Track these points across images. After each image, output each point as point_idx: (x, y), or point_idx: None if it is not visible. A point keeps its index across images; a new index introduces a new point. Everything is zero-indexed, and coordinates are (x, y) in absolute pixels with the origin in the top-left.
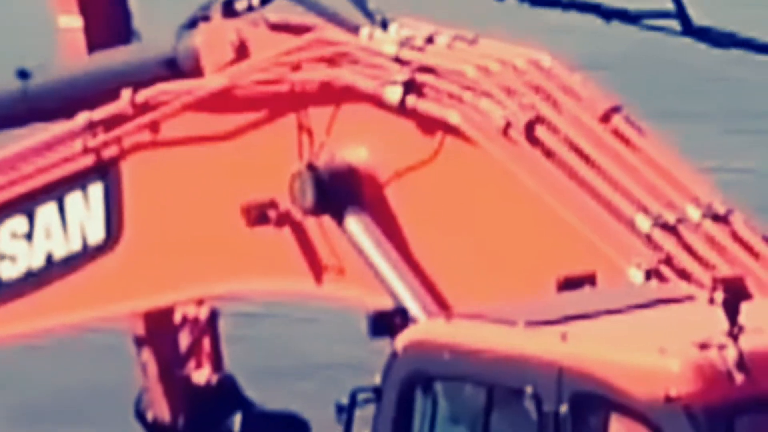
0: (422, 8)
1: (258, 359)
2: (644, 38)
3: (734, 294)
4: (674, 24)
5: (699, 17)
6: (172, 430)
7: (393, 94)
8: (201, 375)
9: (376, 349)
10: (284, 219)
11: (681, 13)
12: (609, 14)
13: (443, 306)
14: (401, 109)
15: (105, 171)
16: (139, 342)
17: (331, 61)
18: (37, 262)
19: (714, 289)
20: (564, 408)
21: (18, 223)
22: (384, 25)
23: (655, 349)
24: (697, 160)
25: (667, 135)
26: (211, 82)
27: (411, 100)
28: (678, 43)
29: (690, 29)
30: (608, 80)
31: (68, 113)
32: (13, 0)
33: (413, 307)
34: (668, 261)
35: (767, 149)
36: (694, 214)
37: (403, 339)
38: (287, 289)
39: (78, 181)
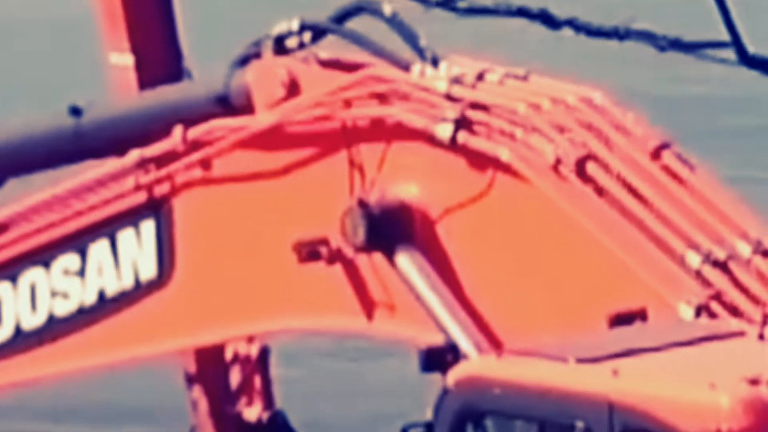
0: (473, 45)
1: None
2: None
3: None
4: (730, 53)
5: (756, 46)
6: None
7: (444, 131)
8: (252, 412)
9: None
10: (335, 256)
11: (736, 42)
12: (664, 44)
13: (494, 342)
14: (452, 145)
15: (157, 208)
16: (190, 379)
17: (382, 98)
18: (90, 298)
19: (764, 324)
20: None
21: (70, 260)
22: (435, 62)
23: (705, 385)
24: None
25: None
26: (262, 119)
27: (462, 137)
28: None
29: (746, 58)
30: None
31: (120, 150)
32: (66, 37)
33: (464, 343)
34: (718, 297)
35: None
36: (744, 250)
37: (454, 375)
38: (338, 326)
39: (130, 217)
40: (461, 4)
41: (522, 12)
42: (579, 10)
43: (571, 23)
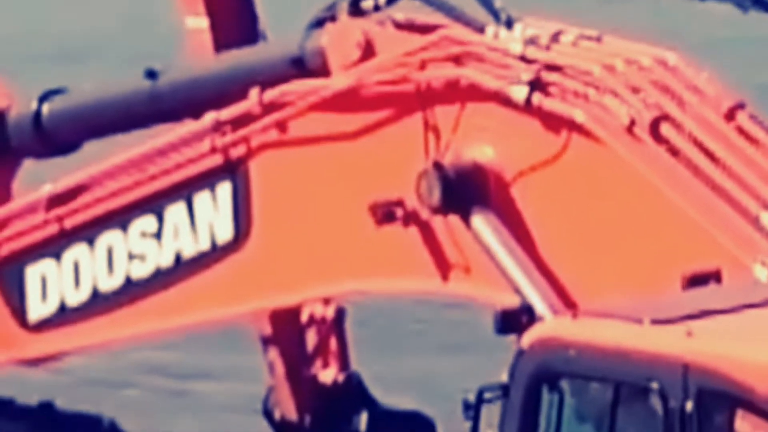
0: (546, 7)
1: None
2: None
3: None
4: None
5: None
6: (299, 429)
7: (519, 92)
8: (328, 374)
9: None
10: (411, 218)
11: None
12: (747, 4)
13: (569, 304)
14: (527, 107)
15: (233, 170)
16: (266, 342)
17: (457, 60)
18: (166, 261)
19: None
20: (690, 405)
21: (147, 222)
22: (509, 23)
23: None
24: None
25: None
26: (337, 81)
27: (537, 99)
28: None
29: None
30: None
31: (196, 113)
32: (142, 1)
33: (539, 305)
34: None
35: None
36: None
37: (529, 337)
38: (414, 288)
39: (206, 180)
40: None
41: None
42: None
43: None
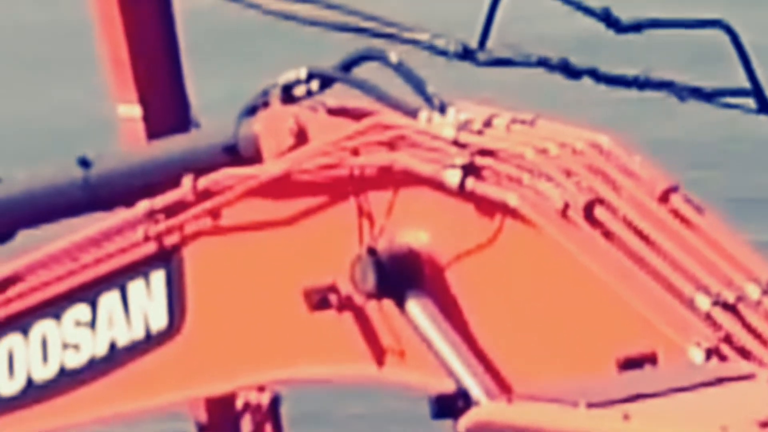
0: (481, 91)
1: None
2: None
3: None
4: (749, 102)
5: None
6: None
7: (452, 177)
8: None
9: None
10: (345, 303)
11: (757, 91)
12: (684, 93)
13: (505, 388)
14: (460, 192)
15: (167, 258)
16: (202, 428)
17: (390, 145)
18: (101, 350)
19: None
20: None
21: (81, 311)
22: (442, 108)
23: (716, 428)
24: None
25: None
26: (270, 167)
27: (470, 183)
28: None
29: (766, 106)
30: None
31: (129, 202)
32: (74, 90)
33: (474, 390)
34: (728, 340)
35: None
36: (753, 292)
37: (465, 421)
38: (350, 374)
39: (140, 268)
40: (481, 56)
41: (542, 63)
42: (599, 59)
43: (592, 73)
